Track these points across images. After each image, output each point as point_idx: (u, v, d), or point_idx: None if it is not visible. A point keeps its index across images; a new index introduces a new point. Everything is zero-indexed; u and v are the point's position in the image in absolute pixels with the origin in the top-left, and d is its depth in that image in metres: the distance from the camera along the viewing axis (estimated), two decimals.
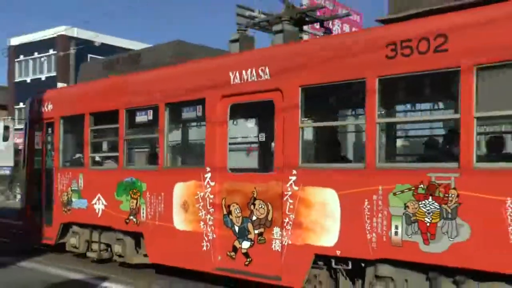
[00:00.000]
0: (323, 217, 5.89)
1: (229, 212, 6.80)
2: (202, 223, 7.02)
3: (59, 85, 30.84)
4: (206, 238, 6.97)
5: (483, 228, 4.78)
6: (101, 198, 8.44)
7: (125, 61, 9.15)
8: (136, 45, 36.94)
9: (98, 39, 28.56)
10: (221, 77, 6.87)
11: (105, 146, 9.84)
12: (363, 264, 5.74)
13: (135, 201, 7.96)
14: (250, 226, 6.60)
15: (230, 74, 6.77)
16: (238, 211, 6.72)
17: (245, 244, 6.65)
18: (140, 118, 8.01)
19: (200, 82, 7.18)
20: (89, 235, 8.93)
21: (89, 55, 32.59)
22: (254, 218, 6.55)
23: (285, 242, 6.22)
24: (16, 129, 31.50)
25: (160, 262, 7.83)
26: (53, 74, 32.56)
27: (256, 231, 6.53)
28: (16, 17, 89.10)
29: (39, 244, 9.86)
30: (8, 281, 7.76)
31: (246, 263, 6.63)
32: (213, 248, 6.91)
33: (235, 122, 7.03)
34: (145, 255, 7.95)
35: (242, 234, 6.67)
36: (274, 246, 6.35)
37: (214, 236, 6.91)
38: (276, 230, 6.32)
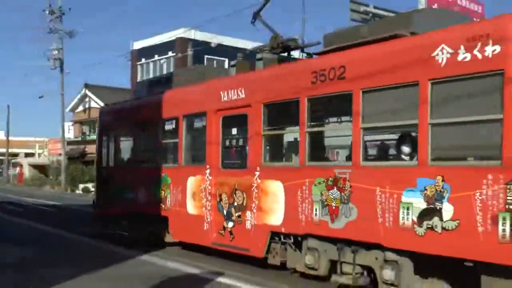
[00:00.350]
0: (274, 202, 8.75)
1: (221, 200, 9.99)
2: (203, 208, 10.28)
3: None
4: (206, 220, 10.25)
5: (365, 209, 7.29)
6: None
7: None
8: (251, 45, 41.00)
9: (215, 40, 32.20)
10: (215, 95, 10.14)
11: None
12: (299, 238, 8.52)
13: (163, 191, 11.59)
14: (233, 210, 9.70)
15: (221, 93, 10.02)
16: (226, 199, 9.88)
17: (230, 224, 9.75)
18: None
19: (202, 99, 10.56)
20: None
21: (205, 56, 37.16)
22: (235, 204, 9.63)
23: (252, 222, 9.20)
24: None
25: (179, 239, 11.31)
26: None
27: (236, 214, 9.59)
28: (138, 22, 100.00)
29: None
30: (131, 274, 8.78)
31: (231, 239, 9.74)
32: (210, 228, 10.16)
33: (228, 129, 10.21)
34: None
35: (229, 216, 9.79)
36: (247, 225, 9.35)
37: (211, 218, 10.18)
38: (248, 213, 9.30)
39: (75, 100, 48.45)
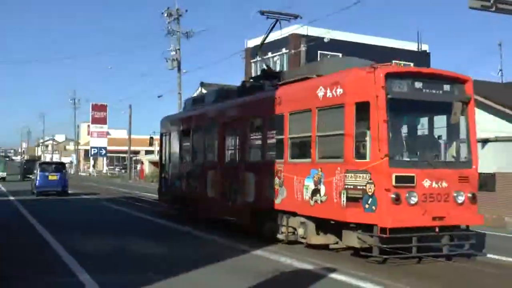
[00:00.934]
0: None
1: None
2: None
3: None
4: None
5: (289, 190, 11.21)
6: None
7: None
8: (367, 39, 40.29)
9: (328, 35, 32.05)
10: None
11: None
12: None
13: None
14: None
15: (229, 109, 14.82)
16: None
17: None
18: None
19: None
20: None
21: (318, 52, 37.08)
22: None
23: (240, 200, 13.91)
24: None
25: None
26: None
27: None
28: (252, 21, 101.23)
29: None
30: (244, 267, 9.22)
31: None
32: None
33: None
34: None
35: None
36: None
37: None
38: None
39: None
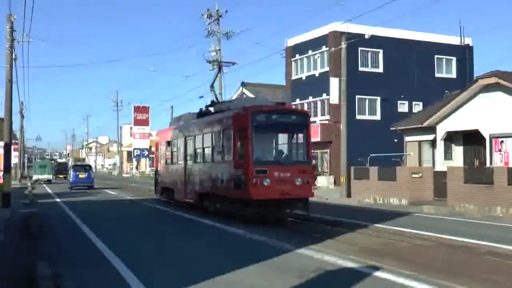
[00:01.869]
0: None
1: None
2: None
3: (332, 80, 35.99)
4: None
5: (214, 181, 17.58)
6: None
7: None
8: (409, 35, 39.77)
9: (369, 32, 31.80)
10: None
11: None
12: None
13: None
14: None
15: (187, 129, 21.78)
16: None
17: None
18: None
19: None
20: None
21: (359, 49, 36.89)
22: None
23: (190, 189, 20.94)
24: None
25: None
26: (326, 69, 37.94)
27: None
28: (293, 20, 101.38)
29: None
30: (287, 266, 9.29)
31: None
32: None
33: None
34: None
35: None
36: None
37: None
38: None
39: (233, 98, 50.68)
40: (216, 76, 22.93)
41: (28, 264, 9.15)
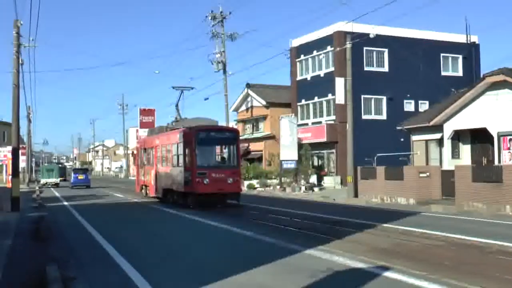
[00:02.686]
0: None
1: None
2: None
3: (337, 79, 35.95)
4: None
5: (174, 179, 24.24)
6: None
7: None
8: (414, 34, 39.66)
9: (374, 31, 31.68)
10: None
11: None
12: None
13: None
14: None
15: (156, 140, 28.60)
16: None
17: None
18: None
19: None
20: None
21: (364, 48, 36.86)
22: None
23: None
24: (298, 125, 38.04)
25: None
26: (331, 69, 37.90)
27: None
28: (297, 21, 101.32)
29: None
30: (297, 266, 9.25)
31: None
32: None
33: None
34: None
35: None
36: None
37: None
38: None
39: (238, 100, 50.67)
40: (180, 97, 29.37)
41: (38, 267, 9.16)
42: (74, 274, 8.80)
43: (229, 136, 23.92)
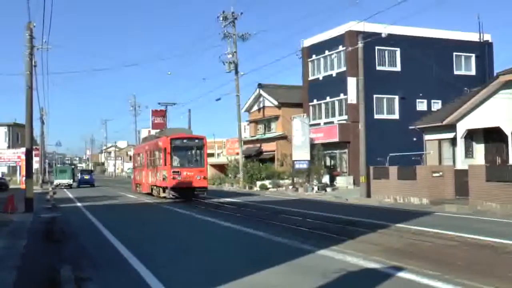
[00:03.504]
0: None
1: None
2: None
3: (349, 79, 35.85)
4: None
5: (157, 177, 30.78)
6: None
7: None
8: (426, 33, 39.43)
9: (386, 30, 31.56)
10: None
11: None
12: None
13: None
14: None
15: (146, 147, 36.50)
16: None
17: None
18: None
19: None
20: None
21: (376, 47, 36.71)
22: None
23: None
24: (310, 125, 37.98)
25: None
26: (343, 69, 37.79)
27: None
28: (308, 21, 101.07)
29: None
30: (310, 267, 9.24)
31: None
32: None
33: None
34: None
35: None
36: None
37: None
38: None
39: (250, 100, 50.69)
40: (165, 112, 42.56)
41: (52, 268, 9.21)
42: (87, 275, 8.85)
43: (198, 143, 29.31)
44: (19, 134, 69.08)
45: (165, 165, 28.24)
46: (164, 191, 29.00)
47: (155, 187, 31.40)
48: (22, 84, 23.93)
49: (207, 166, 30.90)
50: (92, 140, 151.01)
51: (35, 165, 50.49)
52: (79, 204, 27.75)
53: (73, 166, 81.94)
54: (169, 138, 28.67)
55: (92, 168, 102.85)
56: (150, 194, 32.51)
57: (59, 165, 78.51)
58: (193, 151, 29.50)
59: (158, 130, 36.61)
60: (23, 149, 35.62)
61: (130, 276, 8.89)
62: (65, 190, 45.73)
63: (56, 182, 51.28)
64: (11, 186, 44.04)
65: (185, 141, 29.35)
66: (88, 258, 10.81)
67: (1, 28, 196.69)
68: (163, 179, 28.62)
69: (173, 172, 27.67)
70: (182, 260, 10.47)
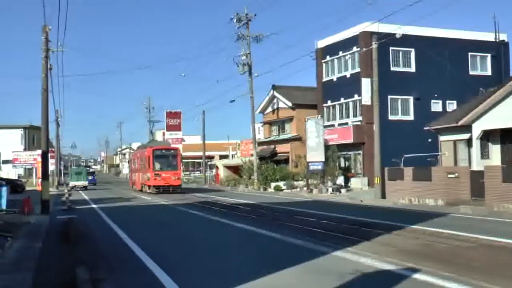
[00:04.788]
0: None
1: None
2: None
3: (363, 80, 35.73)
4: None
5: (142, 178, 43.93)
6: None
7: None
8: (441, 33, 39.20)
9: (400, 31, 31.45)
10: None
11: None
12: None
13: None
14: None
15: (138, 154, 50.36)
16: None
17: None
18: None
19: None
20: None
21: (390, 48, 36.56)
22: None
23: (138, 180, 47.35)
24: (324, 126, 37.92)
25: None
26: (357, 70, 37.70)
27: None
28: (322, 22, 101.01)
29: None
30: (325, 268, 9.27)
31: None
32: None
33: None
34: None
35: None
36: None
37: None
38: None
39: (264, 101, 50.72)
40: (152, 127, 64.88)
41: (68, 269, 9.31)
42: (103, 276, 8.93)
43: (173, 152, 41.46)
44: (35, 137, 69.71)
45: (149, 168, 39.66)
46: (149, 188, 40.21)
47: (144, 185, 42.27)
48: (38, 87, 24.11)
49: (180, 170, 42.41)
50: (107, 142, 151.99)
51: (51, 167, 50.90)
52: (94, 205, 27.97)
53: (88, 168, 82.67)
54: (152, 148, 40.82)
55: (101, 169, 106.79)
56: (141, 190, 43.19)
57: (74, 167, 79.14)
58: (170, 159, 40.51)
59: (148, 142, 51.42)
60: (39, 151, 36.01)
61: (145, 277, 8.96)
62: (80, 191, 46.11)
63: (71, 184, 51.71)
64: (27, 188, 44.50)
65: (163, 151, 41.10)
66: (104, 259, 10.92)
67: (19, 31, 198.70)
68: (148, 179, 40.34)
69: (155, 174, 39.15)
70: (196, 262, 10.52)
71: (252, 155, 46.36)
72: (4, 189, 21.96)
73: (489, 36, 40.13)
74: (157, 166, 39.35)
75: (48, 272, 9.62)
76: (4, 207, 21.23)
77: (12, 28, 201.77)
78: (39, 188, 28.61)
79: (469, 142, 27.77)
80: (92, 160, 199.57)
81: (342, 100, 39.67)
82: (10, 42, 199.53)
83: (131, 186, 49.85)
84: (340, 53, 39.50)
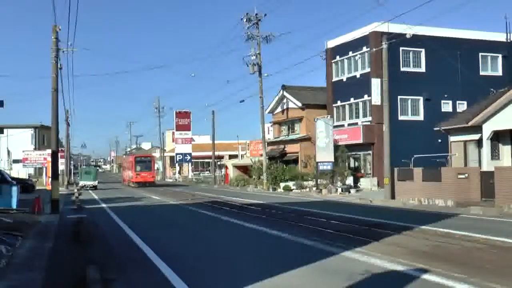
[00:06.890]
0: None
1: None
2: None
3: (373, 80, 35.63)
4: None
5: (129, 176, 60.95)
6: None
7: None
8: (452, 33, 39.01)
9: (410, 31, 31.33)
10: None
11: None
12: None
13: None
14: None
15: (127, 158, 74.68)
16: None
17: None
18: None
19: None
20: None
21: (400, 48, 36.43)
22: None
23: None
24: (334, 126, 37.86)
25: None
26: (367, 70, 37.59)
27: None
28: (333, 22, 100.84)
29: None
30: (335, 269, 9.25)
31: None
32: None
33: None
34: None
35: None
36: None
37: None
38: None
39: (274, 102, 50.70)
40: (136, 141, 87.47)
41: (79, 269, 9.36)
42: (114, 276, 8.97)
43: (149, 159, 58.78)
44: (45, 136, 70.14)
45: (133, 169, 55.67)
46: (133, 184, 55.55)
47: (129, 182, 58.09)
48: (48, 87, 24.23)
49: (154, 171, 59.21)
50: (117, 141, 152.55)
51: (61, 167, 51.20)
52: (104, 205, 28.08)
53: (97, 168, 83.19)
54: (134, 156, 61.69)
55: (111, 169, 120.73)
56: (129, 186, 57.31)
57: (84, 167, 79.58)
58: (147, 163, 56.81)
59: (134, 149, 78.46)
60: (49, 151, 36.18)
61: (155, 277, 8.99)
62: (90, 191, 46.32)
63: (81, 183, 51.98)
64: (37, 187, 44.75)
65: (142, 158, 59.67)
66: (115, 259, 10.96)
67: (29, 31, 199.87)
68: (131, 177, 56.28)
69: (136, 174, 54.96)
70: (206, 261, 10.54)
71: (261, 155, 46.35)
72: (15, 188, 22.12)
73: (500, 37, 39.90)
74: (138, 168, 55.57)
75: (59, 271, 9.68)
76: (14, 206, 21.38)
77: (24, 27, 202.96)
78: (49, 187, 28.79)
79: (479, 143, 27.63)
80: (101, 160, 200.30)
81: (352, 100, 39.57)
82: (21, 42, 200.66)
83: (123, 182, 65.75)
84: (350, 53, 39.38)
